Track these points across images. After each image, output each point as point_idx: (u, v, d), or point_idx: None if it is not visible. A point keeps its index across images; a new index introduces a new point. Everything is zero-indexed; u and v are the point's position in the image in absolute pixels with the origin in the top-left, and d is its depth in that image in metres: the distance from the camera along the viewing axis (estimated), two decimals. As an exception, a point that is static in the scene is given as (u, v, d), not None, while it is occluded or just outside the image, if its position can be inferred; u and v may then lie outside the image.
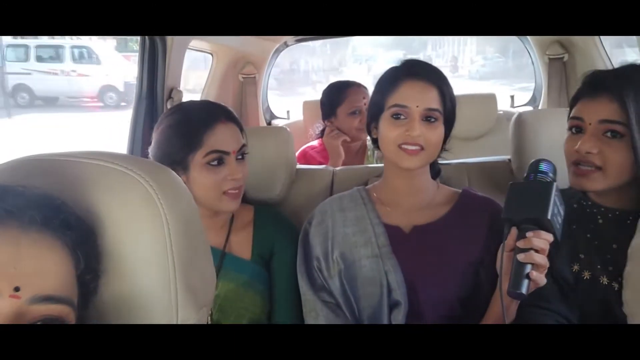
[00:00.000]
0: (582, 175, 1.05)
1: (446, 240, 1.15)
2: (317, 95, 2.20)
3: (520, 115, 1.45)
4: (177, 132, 1.19)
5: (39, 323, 0.50)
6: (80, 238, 0.55)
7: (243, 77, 2.46)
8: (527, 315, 1.06)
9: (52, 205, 0.54)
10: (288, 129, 1.54)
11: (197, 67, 2.53)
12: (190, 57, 1.88)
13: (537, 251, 0.91)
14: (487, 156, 1.67)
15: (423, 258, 1.14)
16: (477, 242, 1.14)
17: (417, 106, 1.11)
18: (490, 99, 2.48)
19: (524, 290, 0.90)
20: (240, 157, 1.22)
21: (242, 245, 1.28)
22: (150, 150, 1.24)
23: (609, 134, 1.01)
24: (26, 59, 10.20)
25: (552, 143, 1.37)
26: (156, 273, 0.59)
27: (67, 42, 10.37)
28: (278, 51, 2.64)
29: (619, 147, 1.00)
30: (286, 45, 2.64)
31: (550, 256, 0.97)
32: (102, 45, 10.66)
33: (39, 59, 10.34)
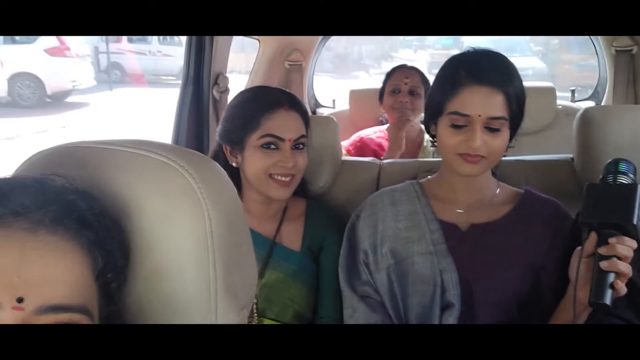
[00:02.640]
0: None
1: (506, 242, 1.09)
2: (370, 79, 2.16)
3: (586, 110, 1.35)
4: (240, 112, 1.23)
5: None
6: (99, 235, 0.50)
7: (289, 64, 2.42)
8: (593, 321, 1.00)
9: (65, 201, 0.50)
10: (334, 118, 1.49)
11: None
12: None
13: (619, 259, 0.84)
14: (544, 153, 1.57)
15: (480, 259, 1.08)
16: (540, 246, 1.07)
17: (480, 115, 1.01)
18: (549, 92, 2.34)
19: (607, 300, 0.83)
20: (297, 146, 1.22)
21: (292, 237, 1.29)
22: (217, 128, 1.30)
23: None
24: (118, 41, 11.40)
25: (622, 142, 1.27)
26: (194, 272, 0.55)
27: None
28: (325, 38, 2.59)
29: None
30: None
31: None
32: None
33: (130, 40, 11.54)
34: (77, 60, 8.89)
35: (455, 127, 1.04)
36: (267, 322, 1.21)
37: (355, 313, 1.13)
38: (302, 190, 1.32)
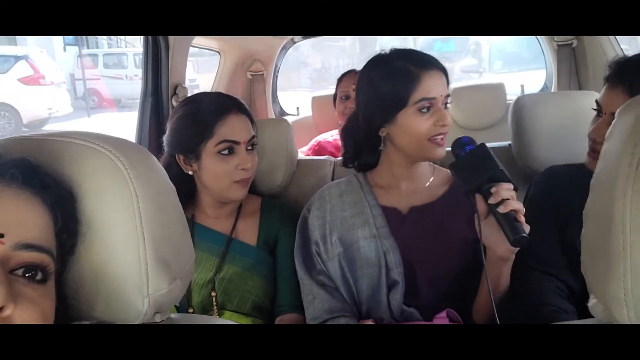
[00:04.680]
0: (591, 157, 1.09)
1: (443, 220, 1.17)
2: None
3: (518, 99, 1.44)
4: (190, 121, 1.25)
5: (22, 269, 0.53)
6: (57, 199, 0.59)
7: (251, 75, 2.49)
8: (527, 279, 1.08)
9: (30, 166, 0.59)
10: (292, 123, 1.56)
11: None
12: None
13: (508, 200, 0.94)
14: None
15: (421, 238, 1.16)
16: (473, 222, 1.15)
17: (441, 95, 1.11)
18: (499, 88, 2.45)
19: (524, 232, 0.93)
20: (250, 147, 1.27)
21: (248, 232, 1.34)
22: (165, 139, 1.31)
23: None
24: (95, 66, 11.56)
25: (552, 125, 1.36)
26: (126, 241, 0.62)
27: (130, 50, 11.76)
28: (285, 48, 2.67)
29: None
30: (293, 42, 2.66)
31: (562, 226, 1.04)
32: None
33: (106, 65, 11.64)
34: (52, 87, 8.87)
35: (423, 113, 1.11)
36: (227, 313, 1.27)
37: (315, 300, 1.18)
38: (254, 188, 1.38)
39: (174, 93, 1.76)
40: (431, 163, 1.26)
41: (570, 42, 2.15)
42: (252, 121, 1.31)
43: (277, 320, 1.28)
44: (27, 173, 0.57)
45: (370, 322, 1.15)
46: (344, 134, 1.29)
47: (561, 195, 1.14)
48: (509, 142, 1.51)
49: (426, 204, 1.20)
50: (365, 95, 1.18)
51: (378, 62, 1.19)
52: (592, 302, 0.52)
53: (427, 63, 1.13)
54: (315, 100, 2.58)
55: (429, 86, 1.10)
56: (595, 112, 1.13)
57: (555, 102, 1.40)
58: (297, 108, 2.88)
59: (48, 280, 0.56)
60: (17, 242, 0.53)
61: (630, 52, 1.21)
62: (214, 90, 2.35)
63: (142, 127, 1.72)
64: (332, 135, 2.20)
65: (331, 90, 2.27)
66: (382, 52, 1.20)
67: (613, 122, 0.51)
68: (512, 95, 2.51)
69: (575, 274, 1.06)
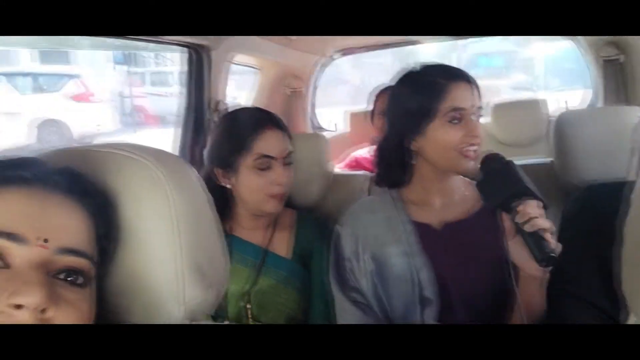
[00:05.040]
0: None
1: (478, 236, 1.14)
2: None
3: (562, 115, 1.41)
4: (228, 136, 1.29)
5: (63, 273, 0.55)
6: (98, 206, 0.61)
7: (290, 91, 2.52)
8: (562, 304, 1.04)
9: (73, 174, 0.61)
10: (329, 139, 1.57)
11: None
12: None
13: (536, 218, 0.91)
14: None
15: (455, 254, 1.13)
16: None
17: (472, 106, 1.11)
18: (540, 104, 2.40)
19: (552, 251, 0.90)
20: (286, 162, 1.29)
21: (283, 245, 1.35)
22: (205, 152, 1.35)
23: None
24: (142, 84, 11.93)
25: (595, 142, 1.32)
26: (164, 250, 0.64)
27: (175, 68, 11.64)
28: (324, 65, 2.70)
29: None
30: (332, 58, 2.68)
31: (601, 248, 0.94)
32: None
33: (153, 83, 11.97)
34: (101, 105, 9.23)
35: (454, 124, 1.10)
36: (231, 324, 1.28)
37: (347, 316, 1.17)
38: (289, 201, 1.39)
39: (215, 109, 1.81)
40: (465, 178, 1.24)
41: (616, 57, 2.09)
42: (289, 136, 1.32)
43: None
44: (71, 181, 0.60)
45: None
46: (378, 151, 1.29)
47: (601, 215, 1.09)
48: (552, 159, 1.47)
49: (460, 220, 1.17)
50: (396, 110, 1.19)
51: (407, 77, 1.20)
52: (631, 321, 0.50)
53: (455, 75, 1.13)
54: (352, 116, 2.59)
55: (459, 97, 1.10)
56: None
57: (599, 118, 1.36)
58: (335, 124, 2.90)
59: (88, 284, 0.58)
60: (59, 246, 0.55)
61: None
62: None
63: (184, 142, 1.77)
64: (369, 151, 2.19)
65: (369, 107, 2.27)
66: (412, 68, 1.20)
67: None
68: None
69: (613, 303, 1.02)
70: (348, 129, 2.63)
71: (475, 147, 1.10)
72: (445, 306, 1.11)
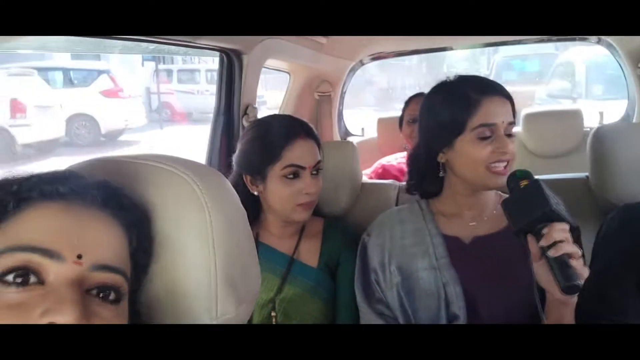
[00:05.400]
0: None
1: (508, 252, 1.11)
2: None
3: (598, 129, 1.37)
4: (259, 144, 1.28)
5: (97, 289, 0.55)
6: (134, 220, 0.61)
7: (319, 95, 2.52)
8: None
9: (109, 188, 0.61)
10: (356, 144, 1.56)
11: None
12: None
13: (561, 242, 0.89)
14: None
15: (484, 270, 1.11)
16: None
17: (503, 122, 1.09)
18: (575, 115, 2.35)
19: (575, 280, 0.87)
20: (315, 172, 1.28)
21: (310, 253, 1.34)
22: (235, 158, 1.35)
23: None
24: (170, 81, 12.13)
25: (634, 158, 1.28)
26: (199, 264, 0.64)
27: (202, 66, 12.21)
28: (354, 69, 2.69)
29: None
30: (362, 63, 2.67)
31: (636, 269, 0.95)
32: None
33: (180, 80, 12.16)
34: (129, 100, 9.37)
35: (483, 139, 1.09)
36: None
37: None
38: (317, 209, 1.38)
39: (245, 113, 1.81)
40: (497, 192, 1.22)
41: (655, 68, 2.03)
42: (319, 145, 1.32)
43: None
44: (107, 195, 0.60)
45: None
46: (409, 160, 1.28)
47: (638, 236, 1.06)
48: (587, 174, 1.43)
49: (491, 234, 1.15)
50: (426, 121, 1.20)
51: (440, 88, 1.19)
52: None
53: (489, 89, 1.11)
54: (381, 122, 2.58)
55: (489, 112, 1.08)
56: None
57: (638, 132, 1.32)
58: (362, 129, 2.88)
59: (121, 300, 0.58)
60: (94, 263, 0.55)
61: None
62: (282, 110, 2.40)
63: (213, 145, 1.77)
64: (397, 159, 2.18)
65: (397, 110, 2.26)
66: (447, 78, 1.20)
67: None
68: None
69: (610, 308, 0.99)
70: (376, 134, 2.61)
71: (504, 164, 1.09)
72: (472, 323, 1.09)
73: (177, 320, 0.65)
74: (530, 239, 0.94)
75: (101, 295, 0.55)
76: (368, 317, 1.18)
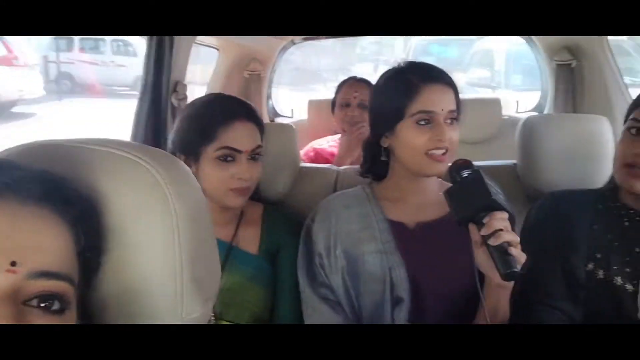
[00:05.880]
0: (635, 177, 1.05)
1: (451, 237, 1.13)
2: (328, 92, 2.22)
3: (528, 119, 1.45)
4: (195, 122, 1.22)
5: (37, 299, 0.48)
6: (81, 214, 0.54)
7: (248, 74, 2.44)
8: (530, 311, 1.07)
9: (51, 180, 0.53)
10: (294, 128, 1.53)
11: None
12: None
13: (501, 230, 0.92)
14: (491, 160, 1.66)
15: (428, 254, 1.14)
16: None
17: (442, 109, 1.10)
18: (495, 103, 2.47)
19: (514, 267, 0.91)
20: (253, 157, 1.23)
21: (249, 240, 1.30)
22: (170, 136, 1.28)
23: None
24: (70, 50, 11.08)
25: (560, 148, 1.37)
26: (162, 261, 0.58)
27: (107, 35, 11.05)
28: (285, 49, 2.63)
29: None
30: (293, 43, 2.62)
31: (562, 254, 1.03)
32: (140, 39, 11.30)
33: (83, 49, 11.22)
34: (25, 69, 8.61)
35: (421, 126, 1.10)
36: (224, 324, 1.23)
37: (316, 313, 1.16)
38: (256, 195, 1.34)
39: (174, 90, 1.71)
40: (439, 179, 1.25)
41: (569, 62, 2.18)
42: (261, 130, 1.26)
43: None
44: (48, 187, 0.52)
45: None
46: (363, 145, 1.29)
47: (564, 223, 1.13)
48: (514, 161, 1.50)
49: (434, 219, 1.18)
50: (372, 106, 1.22)
51: (388, 74, 1.20)
52: None
53: (432, 76, 1.13)
54: (312, 105, 2.55)
55: (429, 100, 1.10)
56: (632, 131, 1.08)
57: (566, 124, 1.41)
58: (292, 110, 2.84)
59: (67, 309, 0.50)
60: (32, 270, 0.47)
61: None
62: (209, 89, 2.30)
63: (139, 122, 1.66)
64: (329, 142, 2.17)
65: (311, 89, 2.24)
66: (397, 64, 1.21)
67: None
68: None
69: (576, 304, 1.07)
70: (308, 117, 2.58)
71: (442, 151, 1.10)
72: (416, 305, 1.12)
73: (136, 321, 0.59)
74: (472, 227, 0.97)
75: (43, 305, 0.48)
76: (312, 302, 1.17)
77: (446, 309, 1.13)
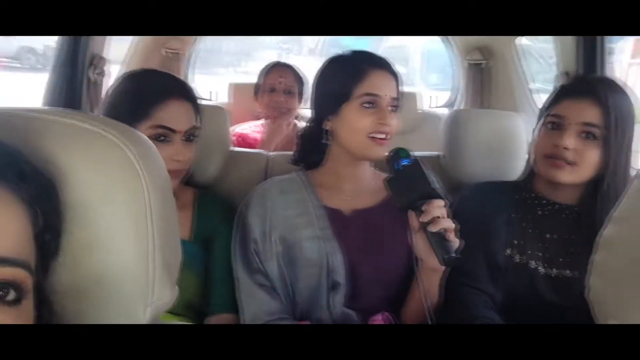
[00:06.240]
0: (556, 167, 1.13)
1: (385, 225, 1.19)
2: (232, 76, 2.17)
3: (454, 113, 1.53)
4: (128, 98, 1.14)
5: None
6: (39, 191, 0.49)
7: (167, 52, 2.32)
8: (458, 293, 1.14)
9: (5, 153, 0.48)
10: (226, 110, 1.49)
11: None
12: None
13: (439, 218, 0.98)
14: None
15: (363, 241, 1.17)
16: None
17: (387, 95, 1.14)
18: (411, 97, 2.58)
19: (452, 253, 0.96)
20: (188, 137, 1.18)
21: (181, 226, 1.23)
22: (100, 112, 1.21)
23: (584, 135, 1.10)
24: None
25: (483, 141, 1.46)
26: (134, 244, 0.54)
27: None
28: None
29: (592, 148, 1.10)
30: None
31: (485, 241, 1.11)
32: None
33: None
34: None
35: (366, 108, 1.12)
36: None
37: (253, 300, 1.15)
38: (188, 178, 1.29)
39: (92, 64, 1.59)
40: (375, 171, 1.28)
41: (480, 62, 2.33)
42: (197, 110, 1.21)
43: (207, 321, 1.22)
44: (2, 164, 0.46)
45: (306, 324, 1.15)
46: (300, 132, 1.29)
47: (486, 212, 1.22)
48: (439, 153, 1.58)
49: (369, 207, 1.21)
50: (317, 90, 1.23)
51: (335, 59, 1.23)
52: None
53: (379, 63, 1.17)
54: (234, 88, 2.49)
55: (375, 83, 1.13)
56: (549, 125, 1.17)
57: (487, 119, 1.50)
58: (211, 92, 2.74)
59: (23, 299, 0.46)
60: None
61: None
62: (125, 66, 2.16)
63: (53, 96, 1.52)
64: (252, 127, 2.14)
65: (215, 73, 2.20)
66: (343, 52, 1.23)
67: None
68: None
69: (497, 287, 1.16)
70: (228, 100, 2.51)
71: (383, 135, 1.14)
72: (352, 290, 1.15)
73: (100, 306, 0.55)
74: (412, 214, 1.01)
75: None
76: (248, 288, 1.16)
77: (381, 293, 1.17)
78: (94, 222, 0.53)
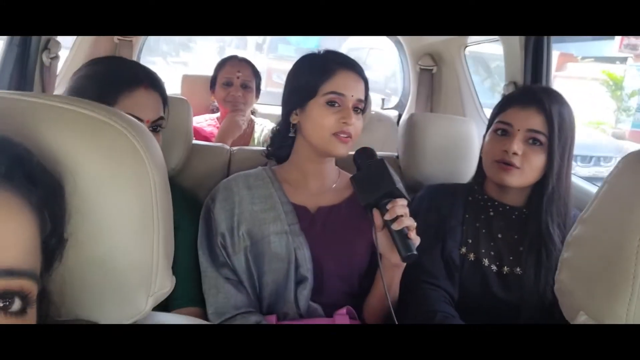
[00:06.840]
0: (505, 171, 1.19)
1: (348, 222, 1.22)
2: (167, 67, 2.13)
3: (411, 116, 1.57)
4: (93, 85, 1.09)
5: None
6: (47, 195, 0.46)
7: (118, 39, 2.24)
8: (417, 290, 1.19)
9: (14, 153, 0.45)
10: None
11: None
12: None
13: (402, 216, 1.02)
14: None
15: (327, 237, 1.20)
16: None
17: (352, 95, 1.16)
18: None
19: (413, 250, 1.01)
20: (154, 128, 1.16)
21: None
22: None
23: (530, 141, 1.18)
24: None
25: (439, 143, 1.52)
26: (140, 234, 0.55)
27: None
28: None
29: (537, 153, 1.17)
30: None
31: (441, 240, 1.16)
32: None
33: None
34: None
35: (331, 105, 1.14)
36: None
37: (220, 294, 1.15)
38: None
39: (46, 47, 1.52)
40: (339, 169, 1.31)
41: (431, 67, 2.42)
42: (164, 101, 1.19)
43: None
44: (11, 165, 0.44)
45: (273, 317, 1.16)
46: (274, 127, 1.30)
47: (442, 213, 1.28)
48: (396, 154, 1.63)
49: (333, 205, 1.24)
50: (287, 85, 1.24)
51: (305, 58, 1.25)
52: (582, 318, 0.60)
53: (348, 64, 1.20)
54: (186, 80, 2.43)
55: (341, 83, 1.16)
56: (498, 132, 1.23)
57: (443, 123, 1.57)
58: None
59: (28, 308, 0.44)
60: None
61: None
62: (73, 54, 2.06)
63: (2, 75, 1.44)
64: (207, 120, 2.11)
65: (150, 62, 2.16)
66: (317, 51, 1.25)
67: (620, 164, 0.60)
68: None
69: (453, 284, 1.22)
70: (179, 92, 2.46)
71: (346, 135, 1.16)
72: (317, 285, 1.17)
73: (101, 296, 0.55)
74: (376, 212, 1.05)
75: (1, 305, 0.42)
76: (214, 281, 1.16)
77: (345, 287, 1.20)
78: (100, 211, 0.52)
